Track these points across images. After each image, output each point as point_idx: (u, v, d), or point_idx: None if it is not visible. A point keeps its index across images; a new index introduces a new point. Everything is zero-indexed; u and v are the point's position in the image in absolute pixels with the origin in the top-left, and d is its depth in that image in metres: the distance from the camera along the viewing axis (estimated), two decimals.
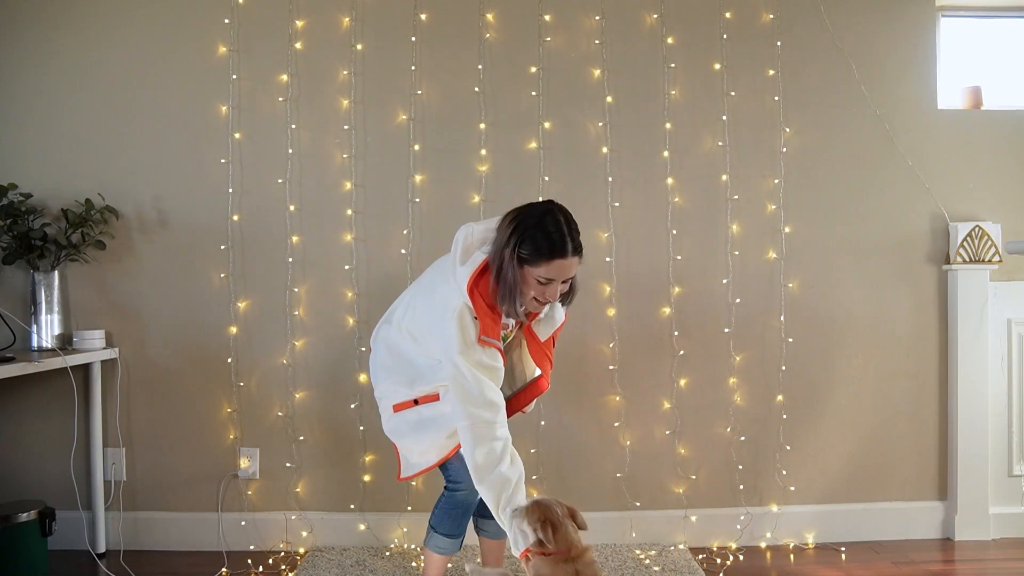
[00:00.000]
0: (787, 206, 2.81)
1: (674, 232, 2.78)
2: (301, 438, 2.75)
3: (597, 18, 2.78)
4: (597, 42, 2.78)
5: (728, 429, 2.80)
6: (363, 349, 2.74)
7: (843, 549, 2.73)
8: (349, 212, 2.74)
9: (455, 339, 1.82)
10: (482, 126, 2.75)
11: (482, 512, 2.18)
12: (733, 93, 2.80)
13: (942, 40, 2.96)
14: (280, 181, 2.74)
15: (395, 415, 2.04)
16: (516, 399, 2.17)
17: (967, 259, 2.76)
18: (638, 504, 2.77)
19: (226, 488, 2.75)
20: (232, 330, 2.73)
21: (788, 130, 2.81)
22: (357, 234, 2.74)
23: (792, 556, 2.70)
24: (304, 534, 2.73)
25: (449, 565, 2.54)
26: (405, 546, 2.73)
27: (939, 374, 2.85)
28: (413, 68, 2.75)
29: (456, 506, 2.06)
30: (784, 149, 2.81)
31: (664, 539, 2.78)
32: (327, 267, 2.74)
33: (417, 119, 2.74)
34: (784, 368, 2.80)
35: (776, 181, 2.81)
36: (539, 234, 1.78)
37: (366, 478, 2.75)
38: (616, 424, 2.78)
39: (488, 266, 1.83)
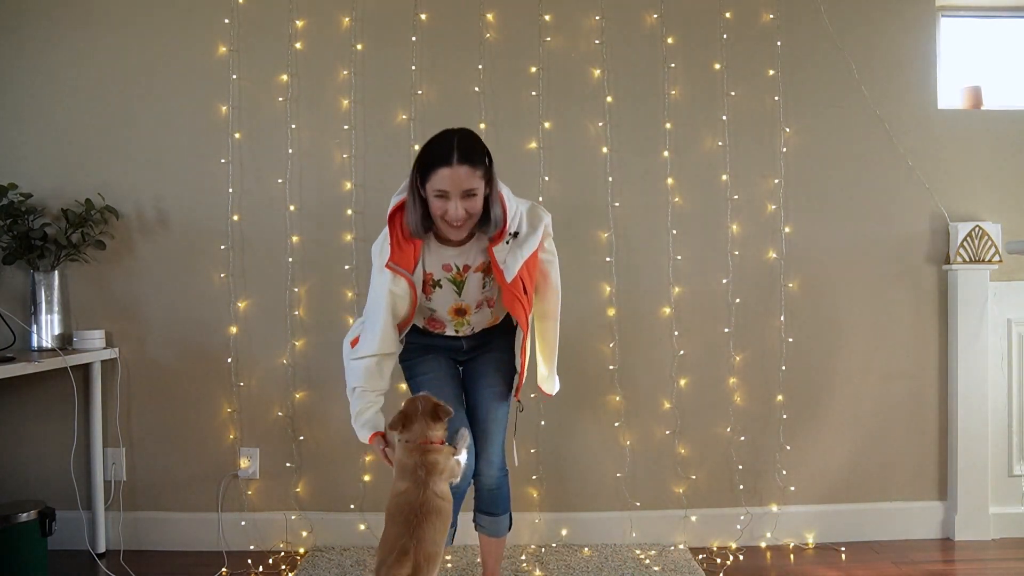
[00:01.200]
0: (787, 206, 2.81)
1: (674, 232, 2.78)
2: (301, 438, 2.75)
3: (597, 18, 2.78)
4: (597, 42, 2.78)
5: (728, 429, 2.80)
6: None
7: (843, 549, 2.73)
8: (349, 212, 2.74)
9: (375, 260, 1.95)
10: (482, 126, 2.75)
11: (480, 507, 2.18)
12: (733, 93, 2.80)
13: (942, 40, 2.96)
14: (280, 181, 2.74)
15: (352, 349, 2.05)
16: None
17: (967, 259, 2.76)
18: (638, 504, 2.77)
19: (226, 488, 2.75)
20: (232, 330, 2.73)
21: (788, 130, 2.81)
22: (357, 234, 2.74)
23: (792, 556, 2.70)
24: (304, 534, 2.73)
25: (449, 565, 2.54)
26: None
27: (939, 374, 2.85)
28: (413, 68, 2.74)
29: None
30: (784, 149, 2.81)
31: (664, 539, 2.78)
32: (327, 267, 2.74)
33: (417, 119, 2.74)
34: (784, 368, 2.80)
35: (776, 181, 2.81)
36: (429, 147, 1.86)
37: (366, 478, 2.75)
38: (616, 424, 2.78)
39: None
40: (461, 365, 2.19)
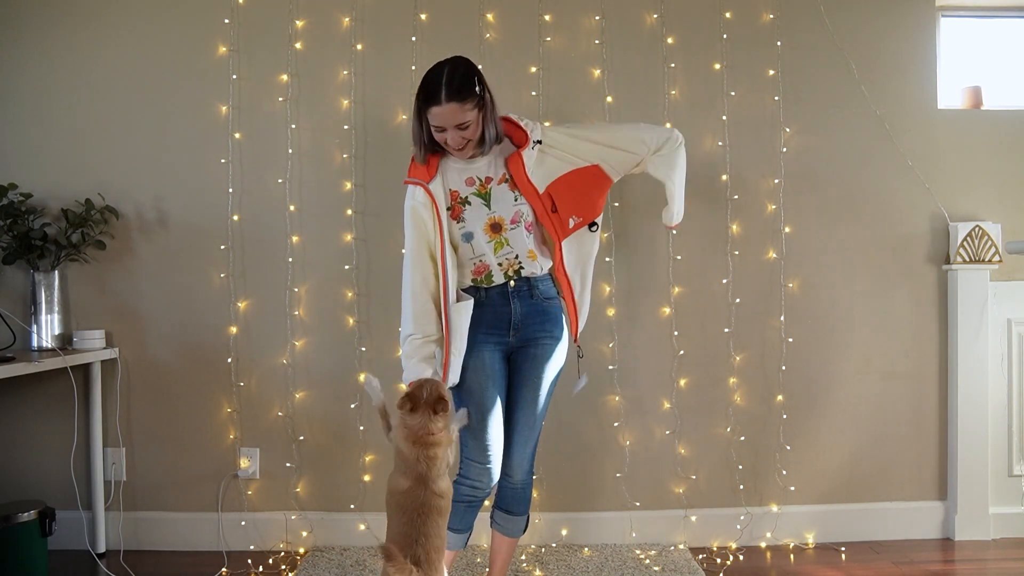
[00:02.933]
0: (787, 206, 2.81)
1: (674, 232, 2.78)
2: (301, 438, 2.75)
3: (597, 18, 2.78)
4: (597, 42, 2.78)
5: (728, 429, 2.80)
6: (363, 349, 2.74)
7: (843, 549, 2.73)
8: (349, 212, 2.74)
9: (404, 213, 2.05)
10: None
11: (501, 505, 2.18)
12: (733, 93, 2.80)
13: (942, 40, 2.96)
14: (280, 181, 2.74)
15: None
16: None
17: (967, 259, 2.76)
18: (638, 504, 2.77)
19: (226, 488, 2.75)
20: (232, 330, 2.73)
21: (788, 130, 2.81)
22: (357, 234, 2.74)
23: (792, 556, 2.70)
24: (304, 534, 2.73)
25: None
26: None
27: (939, 374, 2.85)
28: (413, 68, 2.74)
29: (459, 498, 2.04)
30: (784, 149, 2.81)
31: (664, 539, 2.78)
32: (327, 267, 2.74)
33: None
34: (784, 368, 2.80)
35: (776, 181, 2.81)
36: (424, 83, 1.94)
37: (366, 478, 2.75)
38: (616, 424, 2.78)
39: None
40: (509, 357, 2.09)
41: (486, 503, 2.26)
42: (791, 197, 2.81)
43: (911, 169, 2.82)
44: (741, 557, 2.68)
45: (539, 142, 2.05)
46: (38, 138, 2.72)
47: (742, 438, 2.80)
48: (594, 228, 2.13)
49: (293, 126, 2.74)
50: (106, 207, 2.67)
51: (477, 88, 1.95)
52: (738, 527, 2.79)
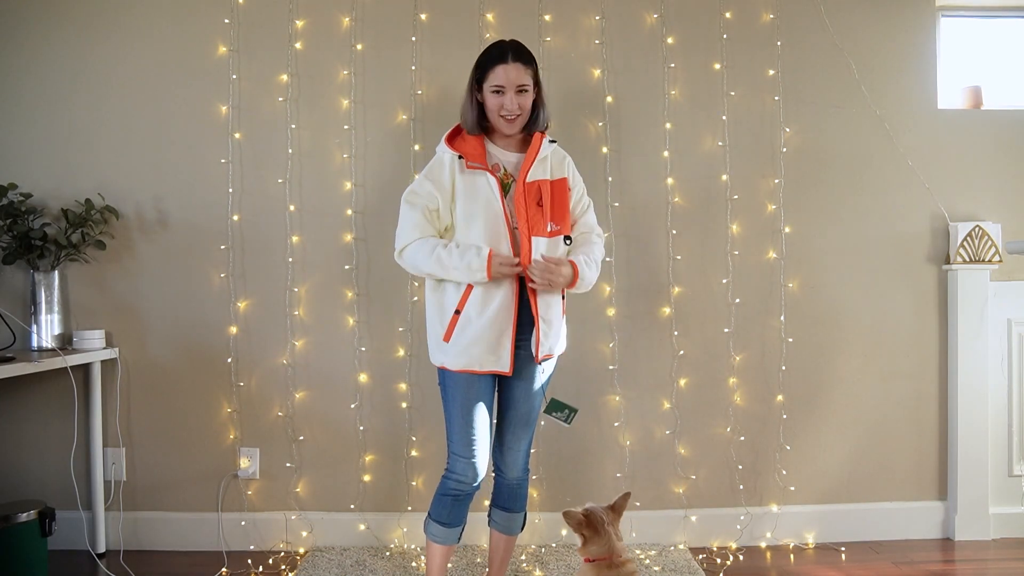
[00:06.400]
0: (787, 206, 2.81)
1: (674, 232, 2.78)
2: (301, 438, 2.75)
3: (597, 18, 2.78)
4: (597, 42, 2.78)
5: (728, 429, 2.80)
6: (363, 349, 2.74)
7: (843, 549, 2.73)
8: (349, 212, 2.74)
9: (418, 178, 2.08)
10: None
11: (498, 502, 2.18)
12: (733, 93, 2.80)
13: (942, 40, 2.96)
14: (280, 181, 2.74)
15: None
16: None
17: (967, 259, 2.76)
18: (638, 504, 2.77)
19: (226, 488, 2.75)
20: (232, 330, 2.73)
21: (788, 130, 2.81)
22: (357, 234, 2.74)
23: (792, 556, 2.70)
24: (304, 534, 2.73)
25: (449, 565, 2.54)
26: (405, 546, 2.73)
27: (939, 374, 2.85)
28: (413, 68, 2.74)
29: (445, 492, 2.05)
30: (784, 149, 2.81)
31: (664, 539, 2.78)
32: (327, 267, 2.74)
33: (417, 119, 2.74)
34: (784, 368, 2.80)
35: (776, 181, 2.81)
36: (486, 51, 2.06)
37: (366, 478, 2.75)
38: (616, 424, 2.78)
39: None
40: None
41: (485, 502, 2.26)
42: (791, 197, 2.81)
43: (911, 169, 2.82)
44: (741, 557, 2.68)
45: (554, 141, 2.17)
46: (38, 138, 2.72)
47: (742, 438, 2.80)
48: (568, 242, 2.13)
49: (293, 126, 2.74)
50: (106, 207, 2.67)
51: (535, 64, 2.06)
52: (738, 527, 2.79)
